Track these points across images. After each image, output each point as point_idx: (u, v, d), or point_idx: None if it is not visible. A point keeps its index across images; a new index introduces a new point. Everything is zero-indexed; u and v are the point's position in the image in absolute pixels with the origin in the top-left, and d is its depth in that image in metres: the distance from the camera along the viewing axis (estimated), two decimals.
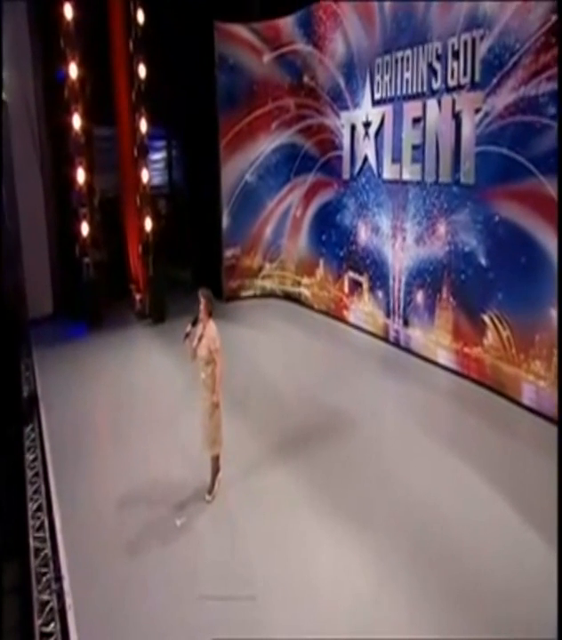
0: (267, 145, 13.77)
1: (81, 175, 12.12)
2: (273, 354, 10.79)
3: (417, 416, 8.11)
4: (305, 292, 13.92)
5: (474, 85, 8.92)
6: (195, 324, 5.92)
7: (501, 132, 8.47)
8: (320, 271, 13.34)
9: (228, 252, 14.14)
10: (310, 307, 13.60)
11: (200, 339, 5.87)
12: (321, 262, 13.31)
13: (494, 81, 8.47)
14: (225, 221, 13.95)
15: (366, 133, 11.46)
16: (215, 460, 6.16)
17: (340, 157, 12.32)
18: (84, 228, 12.34)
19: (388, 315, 11.26)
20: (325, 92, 12.56)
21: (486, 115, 8.74)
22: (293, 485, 6.38)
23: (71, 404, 8.61)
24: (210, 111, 13.46)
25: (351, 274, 12.30)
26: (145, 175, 12.51)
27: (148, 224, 12.58)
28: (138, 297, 13.02)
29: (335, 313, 12.86)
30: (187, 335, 5.88)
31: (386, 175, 10.98)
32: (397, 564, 5.20)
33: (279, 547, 5.41)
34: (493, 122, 8.64)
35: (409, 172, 10.39)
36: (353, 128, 11.86)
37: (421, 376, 9.69)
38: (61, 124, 11.89)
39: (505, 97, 8.32)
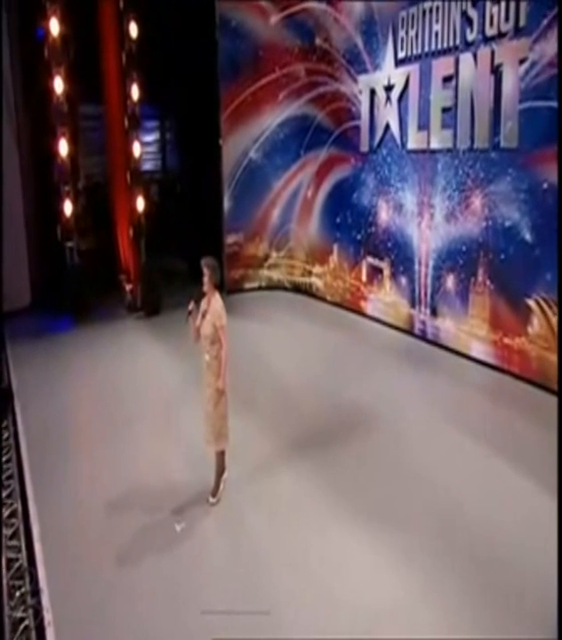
0: (273, 118, 13.47)
1: (64, 147, 11.64)
2: (282, 348, 10.55)
3: (448, 412, 7.84)
4: (317, 282, 13.64)
5: (518, 32, 8.37)
6: (198, 300, 5.72)
7: (551, 83, 7.89)
8: (334, 258, 13.03)
9: (230, 239, 13.79)
10: (323, 299, 13.33)
11: (204, 315, 5.67)
12: (335, 248, 12.98)
13: (544, 22, 7.93)
14: (226, 204, 13.60)
15: (388, 98, 11.10)
16: (220, 457, 5.94)
17: (357, 128, 11.99)
18: (68, 208, 11.90)
19: (413, 304, 10.94)
20: (341, 55, 12.23)
21: (533, 65, 8.19)
22: (308, 486, 6.18)
23: (52, 401, 8.34)
24: (209, 80, 13.13)
25: (370, 259, 11.98)
26: (137, 149, 12.09)
27: (141, 204, 12.17)
28: (128, 288, 12.66)
29: (351, 304, 12.55)
30: (189, 313, 5.67)
31: (411, 145, 10.65)
32: (430, 569, 4.99)
33: (294, 554, 5.18)
34: (541, 72, 8.09)
35: (438, 140, 10.00)
36: (373, 93, 11.52)
37: (452, 370, 9.38)
38: (41, 89, 11.48)
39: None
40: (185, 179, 16.09)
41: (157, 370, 9.65)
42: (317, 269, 13.62)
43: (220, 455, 5.92)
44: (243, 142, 13.49)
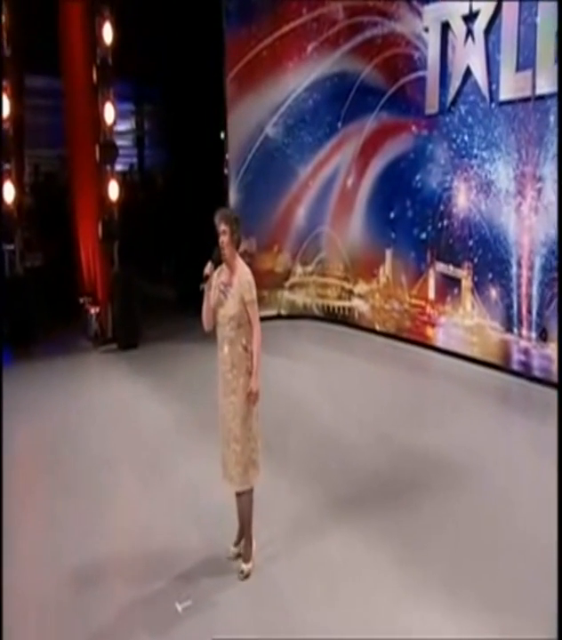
0: (299, 79, 12.98)
1: (4, 107, 11.04)
2: (319, 387, 10.20)
3: None
4: (360, 306, 13.03)
5: None
6: (218, 264, 5.46)
7: None
8: (386, 270, 12.38)
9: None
10: (370, 328, 12.79)
11: (223, 290, 5.40)
12: (388, 255, 12.30)
13: None
14: (233, 199, 13.09)
15: (469, 32, 10.26)
16: (248, 501, 5.54)
17: (421, 81, 11.26)
18: (8, 192, 11.21)
19: (508, 326, 10.16)
20: None
21: None
22: (364, 557, 5.85)
23: None
24: (210, 29, 12.63)
25: (441, 267, 11.21)
26: (109, 113, 11.35)
27: (114, 191, 11.50)
28: (94, 311, 12.11)
29: (413, 334, 11.92)
30: (206, 278, 5.39)
31: (505, 94, 9.78)
32: None
33: None
34: None
35: (550, 80, 8.99)
36: (445, 29, 10.76)
37: None
38: None
39: None
40: (172, 178, 15.94)
41: (139, 412, 9.28)
42: (360, 288, 13.02)
43: (248, 497, 5.52)
44: (256, 114, 13.03)
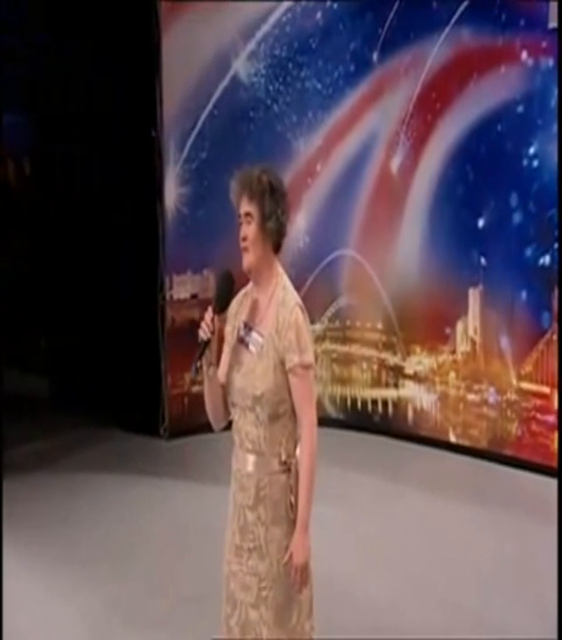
0: None
1: None
2: (365, 547, 9.52)
3: None
4: (418, 396, 12.52)
5: None
6: (226, 303, 5.07)
7: None
8: (471, 326, 11.86)
9: (181, 293, 13.04)
10: (437, 439, 12.16)
11: (247, 332, 4.88)
12: (474, 298, 11.80)
13: None
14: (170, 196, 12.53)
15: None
16: None
17: None
18: None
19: None
20: None
21: None
22: None
23: None
24: None
25: None
26: None
27: None
28: None
29: (525, 448, 11.33)
30: (221, 309, 4.93)
31: None
32: None
33: None
34: None
35: None
36: None
37: None
38: None
39: None
40: (42, 166, 15.94)
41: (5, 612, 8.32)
42: (418, 363, 12.59)
43: None
44: (215, 36, 12.53)
